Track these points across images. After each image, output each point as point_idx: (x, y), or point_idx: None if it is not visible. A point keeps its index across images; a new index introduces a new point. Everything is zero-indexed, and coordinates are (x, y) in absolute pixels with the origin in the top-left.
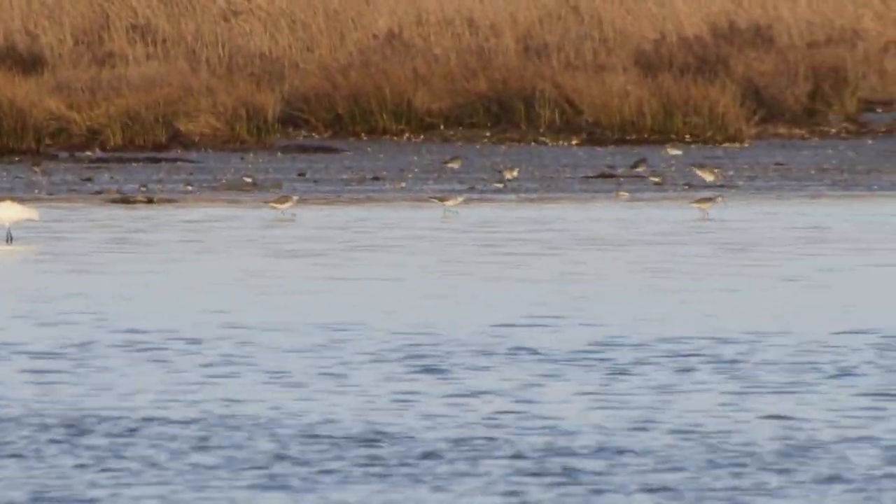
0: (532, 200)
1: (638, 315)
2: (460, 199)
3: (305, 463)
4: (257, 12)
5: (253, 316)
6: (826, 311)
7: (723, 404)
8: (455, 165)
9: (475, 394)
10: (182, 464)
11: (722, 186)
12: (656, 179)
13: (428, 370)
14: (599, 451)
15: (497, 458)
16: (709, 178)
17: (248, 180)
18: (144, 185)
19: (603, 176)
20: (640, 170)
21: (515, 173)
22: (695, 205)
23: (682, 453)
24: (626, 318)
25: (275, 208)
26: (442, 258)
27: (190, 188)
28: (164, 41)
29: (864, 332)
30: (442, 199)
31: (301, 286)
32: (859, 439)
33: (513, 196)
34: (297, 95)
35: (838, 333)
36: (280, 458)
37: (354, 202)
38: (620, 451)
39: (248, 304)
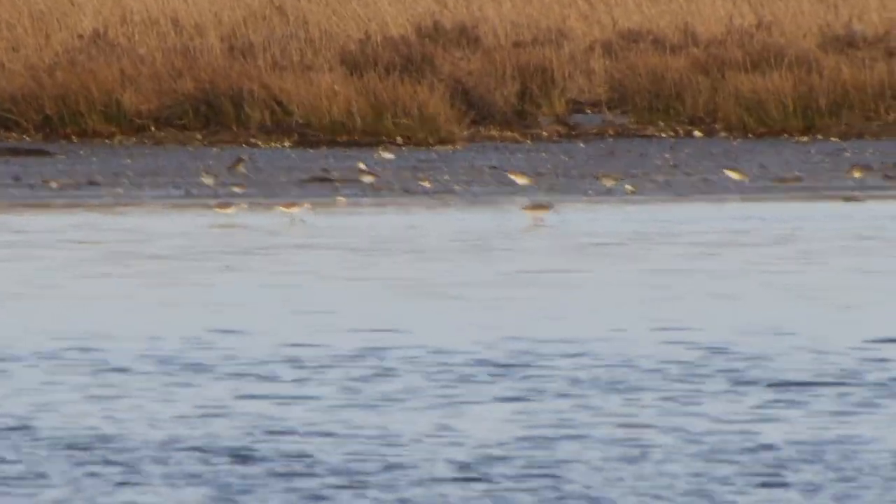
0: (253, 205)
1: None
2: (304, 205)
3: None
4: None
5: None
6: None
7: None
8: (243, 169)
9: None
10: None
11: (438, 192)
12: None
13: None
14: None
15: None
16: (521, 181)
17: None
18: None
19: (319, 179)
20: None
21: (212, 180)
22: (527, 211)
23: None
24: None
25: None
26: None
27: None
28: None
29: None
30: (289, 206)
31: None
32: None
33: (233, 201)
34: (5, 96)
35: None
36: None
37: (73, 208)
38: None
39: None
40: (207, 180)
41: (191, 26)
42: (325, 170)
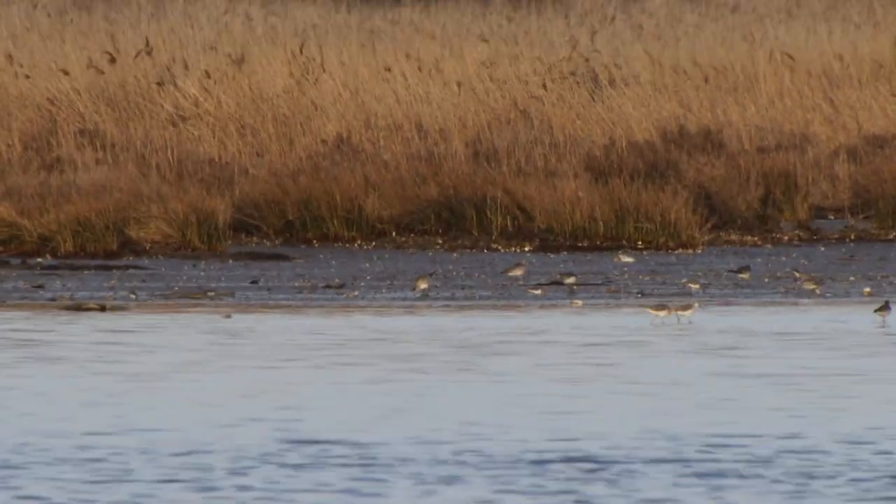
0: (486, 308)
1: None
2: (694, 306)
3: None
4: (206, 117)
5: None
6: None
7: None
8: (518, 273)
9: None
10: None
11: (674, 295)
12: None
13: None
14: None
15: None
16: (811, 286)
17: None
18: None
19: (555, 283)
20: (743, 276)
21: (426, 284)
22: (877, 314)
23: None
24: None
25: (678, 314)
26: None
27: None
28: (112, 146)
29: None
30: (682, 309)
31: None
32: None
33: (465, 303)
34: (248, 201)
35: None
36: None
37: (313, 309)
38: None
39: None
40: (422, 284)
41: (435, 131)
42: (562, 273)
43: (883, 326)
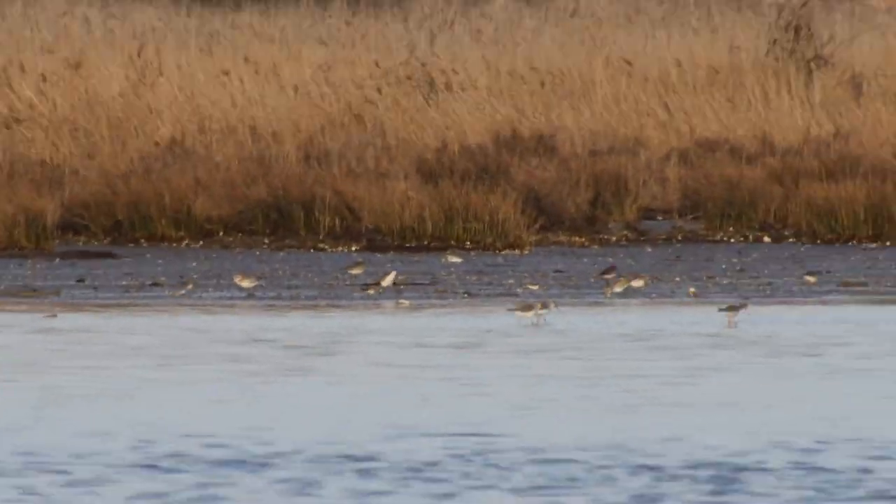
0: (312, 308)
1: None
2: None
3: None
4: (40, 119)
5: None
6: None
7: None
8: (358, 272)
9: None
10: None
11: (500, 296)
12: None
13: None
14: None
15: None
16: (245, 283)
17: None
18: None
19: (376, 284)
20: (608, 276)
21: (251, 282)
22: (725, 312)
23: None
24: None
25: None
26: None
27: None
28: None
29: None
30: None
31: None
32: None
33: (288, 304)
34: (77, 202)
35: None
36: None
37: (138, 308)
38: None
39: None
40: (245, 282)
41: (268, 134)
42: (384, 274)
43: (732, 326)
